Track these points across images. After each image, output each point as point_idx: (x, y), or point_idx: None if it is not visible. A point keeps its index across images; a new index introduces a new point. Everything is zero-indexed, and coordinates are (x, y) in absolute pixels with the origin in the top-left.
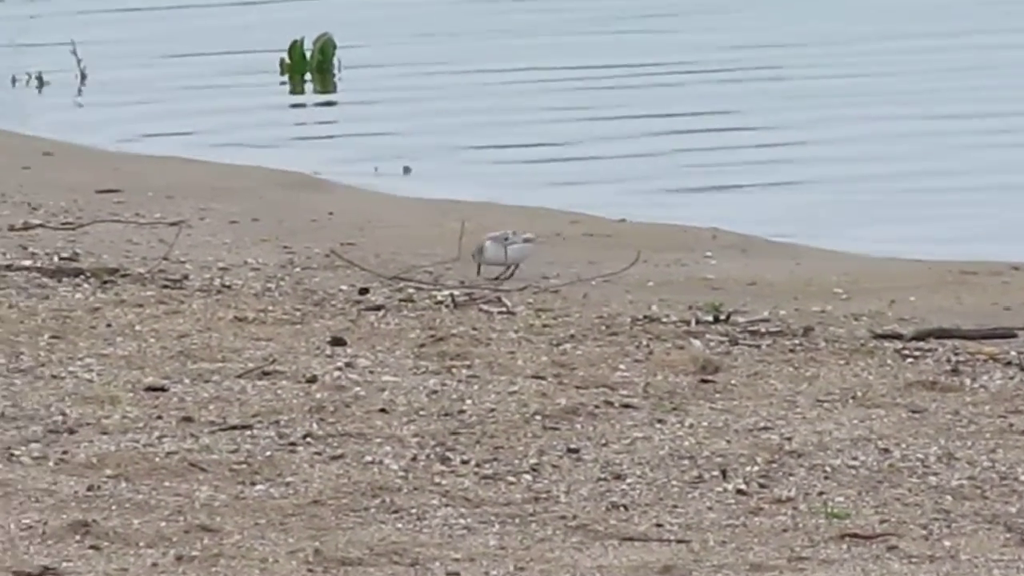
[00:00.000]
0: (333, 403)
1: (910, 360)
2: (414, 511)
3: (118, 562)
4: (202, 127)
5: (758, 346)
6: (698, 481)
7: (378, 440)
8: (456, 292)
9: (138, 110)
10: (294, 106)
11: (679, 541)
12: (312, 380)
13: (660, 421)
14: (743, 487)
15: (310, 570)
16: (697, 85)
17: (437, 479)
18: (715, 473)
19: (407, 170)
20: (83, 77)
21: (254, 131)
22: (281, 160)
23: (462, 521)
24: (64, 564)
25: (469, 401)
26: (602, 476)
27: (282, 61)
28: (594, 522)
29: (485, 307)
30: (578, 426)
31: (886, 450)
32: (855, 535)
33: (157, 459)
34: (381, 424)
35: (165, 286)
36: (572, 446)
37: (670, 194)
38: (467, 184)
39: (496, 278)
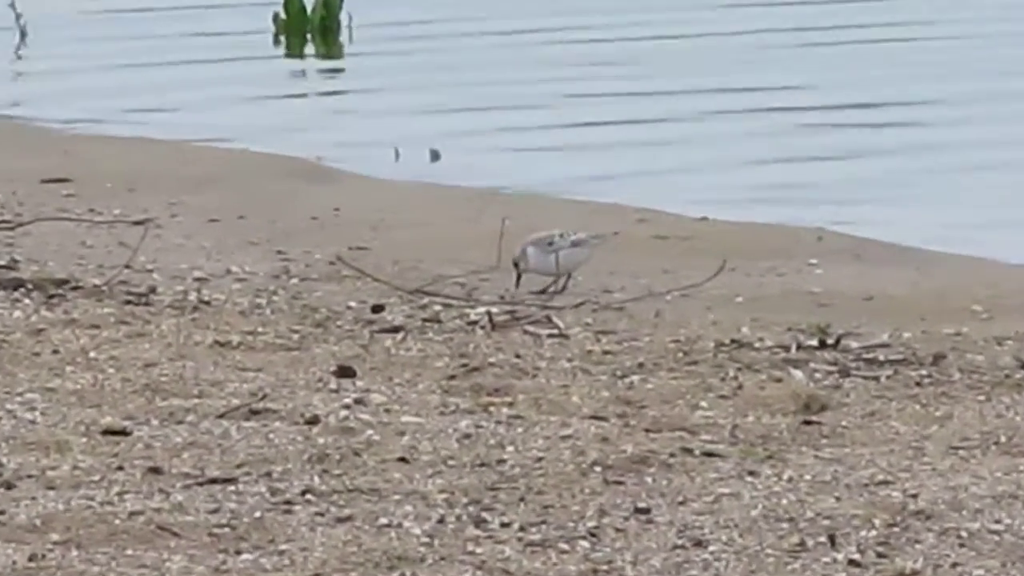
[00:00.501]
0: (339, 450)
1: None
2: None
3: None
4: (175, 100)
5: (876, 378)
6: (800, 549)
7: (396, 497)
8: (495, 310)
9: (94, 79)
10: (291, 73)
11: None
12: (313, 421)
13: (752, 473)
14: (856, 557)
15: None
16: (795, 49)
17: (471, 547)
18: (821, 539)
19: (435, 155)
20: (23, 36)
21: (241, 106)
22: (275, 143)
23: None
24: None
25: (511, 448)
26: (679, 543)
27: (276, 17)
28: None
29: (531, 328)
30: (648, 480)
31: None
32: None
33: (117, 521)
34: (400, 477)
35: (127, 302)
36: (641, 505)
37: (763, 185)
38: (509, 171)
39: (543, 291)
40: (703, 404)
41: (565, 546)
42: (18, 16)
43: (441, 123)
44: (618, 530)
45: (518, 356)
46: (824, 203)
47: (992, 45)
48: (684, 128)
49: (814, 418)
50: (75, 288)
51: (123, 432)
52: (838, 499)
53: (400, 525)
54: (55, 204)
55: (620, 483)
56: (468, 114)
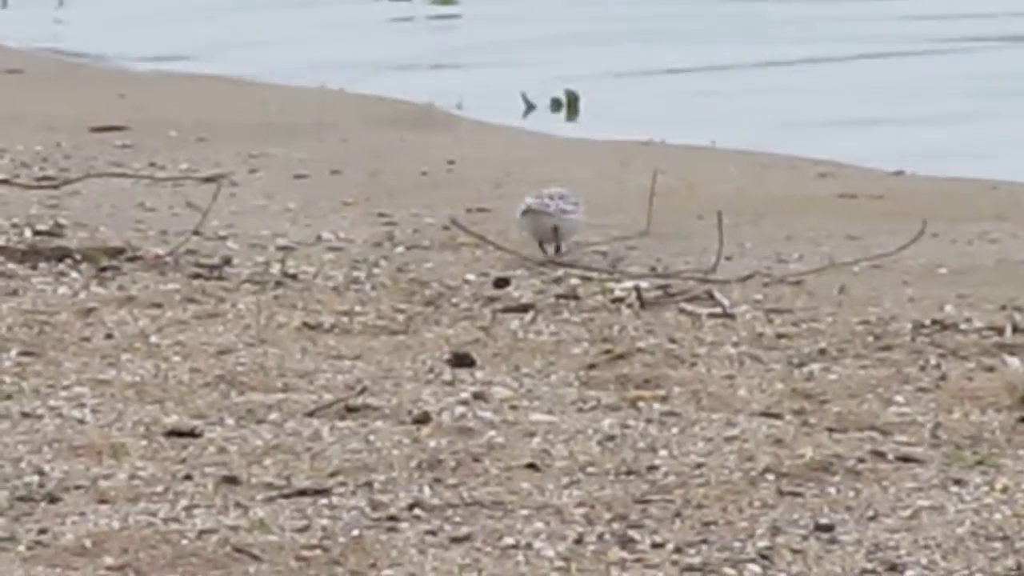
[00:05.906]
0: (455, 456)
1: None
2: None
3: None
4: (254, 32)
5: None
6: (1017, 574)
7: (524, 512)
8: (644, 284)
9: (156, 6)
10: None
11: None
12: (422, 420)
13: (958, 482)
14: None
15: None
16: None
17: (615, 572)
18: None
19: (572, 98)
20: None
21: (335, 38)
22: (377, 83)
23: None
24: None
25: (664, 452)
26: (869, 567)
27: None
28: None
29: (688, 307)
30: (832, 490)
31: None
32: None
33: (185, 541)
34: (529, 488)
35: (196, 275)
36: (823, 521)
37: (972, 133)
38: (661, 118)
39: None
40: (898, 399)
41: (731, 571)
42: None
43: (578, 61)
44: (795, 551)
45: (673, 340)
46: None
47: None
48: (873, 64)
49: None
50: (132, 259)
51: (191, 433)
52: None
53: (529, 546)
54: (108, 157)
55: (797, 494)
56: (612, 49)
